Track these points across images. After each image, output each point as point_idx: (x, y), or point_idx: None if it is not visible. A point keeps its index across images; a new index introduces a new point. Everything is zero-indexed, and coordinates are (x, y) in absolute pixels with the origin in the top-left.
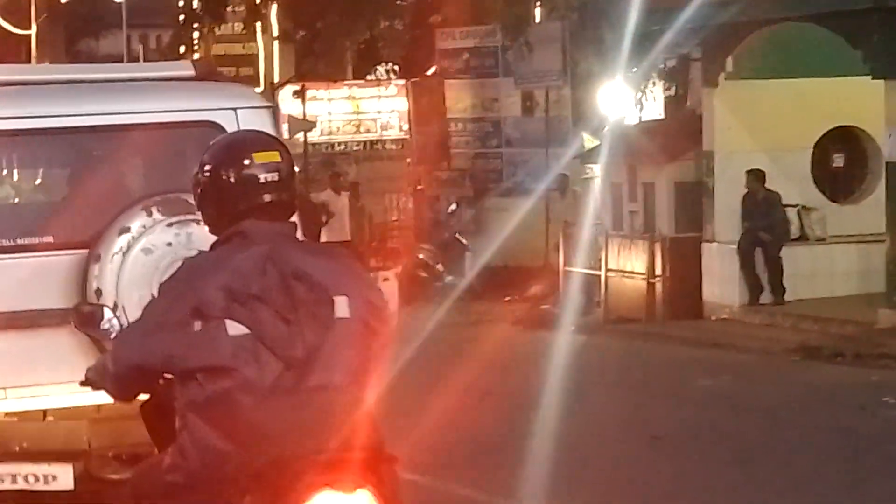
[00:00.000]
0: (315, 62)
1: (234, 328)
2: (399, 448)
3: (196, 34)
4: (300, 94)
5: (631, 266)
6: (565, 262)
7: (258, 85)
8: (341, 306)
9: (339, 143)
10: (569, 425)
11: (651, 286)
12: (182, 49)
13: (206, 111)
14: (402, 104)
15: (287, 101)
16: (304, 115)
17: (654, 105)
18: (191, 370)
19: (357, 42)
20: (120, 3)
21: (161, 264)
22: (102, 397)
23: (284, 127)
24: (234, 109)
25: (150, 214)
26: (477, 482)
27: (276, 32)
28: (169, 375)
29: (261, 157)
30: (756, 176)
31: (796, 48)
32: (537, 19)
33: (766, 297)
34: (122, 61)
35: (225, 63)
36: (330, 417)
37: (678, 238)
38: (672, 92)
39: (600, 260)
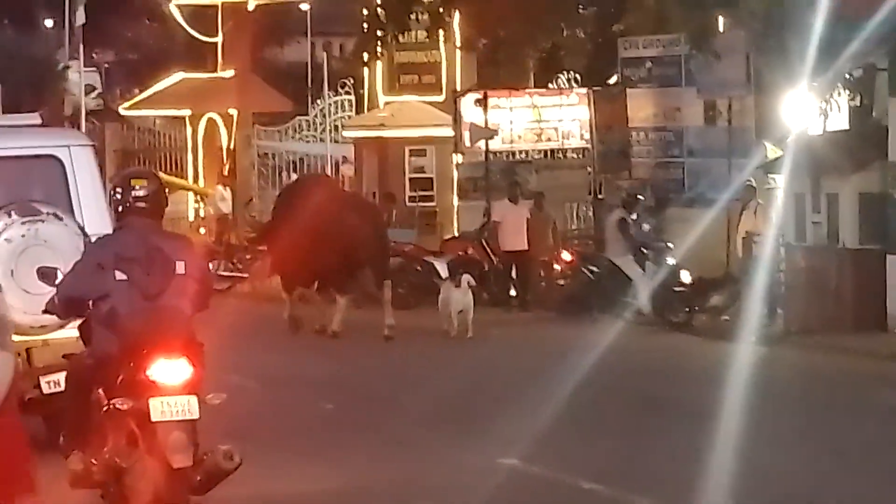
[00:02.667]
0: (497, 70)
1: (119, 276)
2: (578, 457)
3: (379, 42)
4: (482, 103)
5: (813, 277)
6: (746, 273)
7: (440, 93)
8: (179, 267)
9: (520, 152)
10: (749, 438)
11: (834, 298)
12: (365, 56)
13: (49, 147)
14: (584, 113)
15: (469, 109)
16: (486, 124)
17: (838, 115)
18: (95, 298)
19: (539, 50)
20: (305, 12)
21: (17, 250)
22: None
23: (466, 135)
24: (68, 147)
25: (9, 216)
26: (657, 493)
27: (458, 41)
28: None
29: (135, 182)
30: None
31: None
32: (721, 28)
33: None
34: (305, 69)
35: (408, 71)
36: (166, 322)
37: (862, 250)
38: (857, 102)
39: (782, 271)
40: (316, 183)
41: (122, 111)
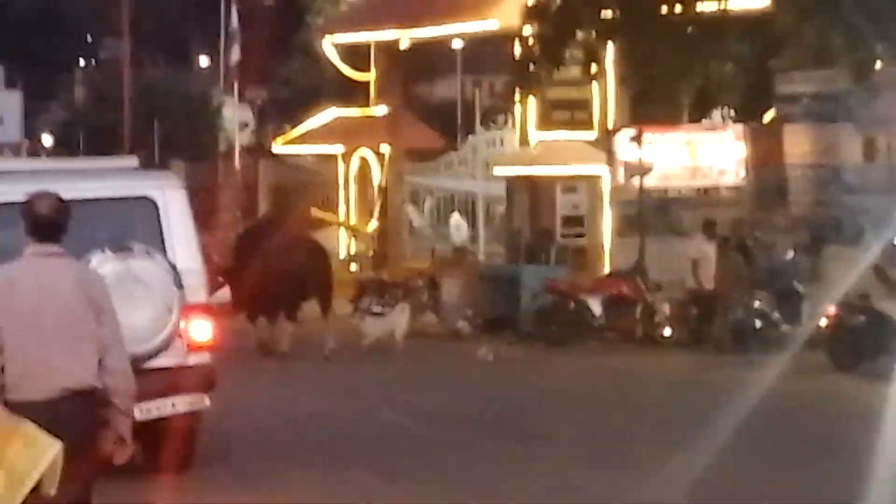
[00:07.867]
0: (650, 107)
1: None
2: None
3: (532, 78)
4: (637, 139)
5: None
6: None
7: (593, 129)
8: None
9: (674, 189)
10: None
11: None
12: (517, 93)
13: (144, 189)
14: (739, 150)
15: (623, 146)
16: (640, 161)
17: None
18: None
19: (693, 86)
20: (456, 51)
21: (110, 281)
22: None
23: (620, 172)
24: (162, 189)
25: (103, 251)
26: None
27: (611, 77)
28: None
29: None
30: None
31: None
32: (879, 63)
33: None
34: (455, 106)
35: (560, 107)
36: None
37: None
38: None
39: None
40: (271, 224)
41: (275, 148)
